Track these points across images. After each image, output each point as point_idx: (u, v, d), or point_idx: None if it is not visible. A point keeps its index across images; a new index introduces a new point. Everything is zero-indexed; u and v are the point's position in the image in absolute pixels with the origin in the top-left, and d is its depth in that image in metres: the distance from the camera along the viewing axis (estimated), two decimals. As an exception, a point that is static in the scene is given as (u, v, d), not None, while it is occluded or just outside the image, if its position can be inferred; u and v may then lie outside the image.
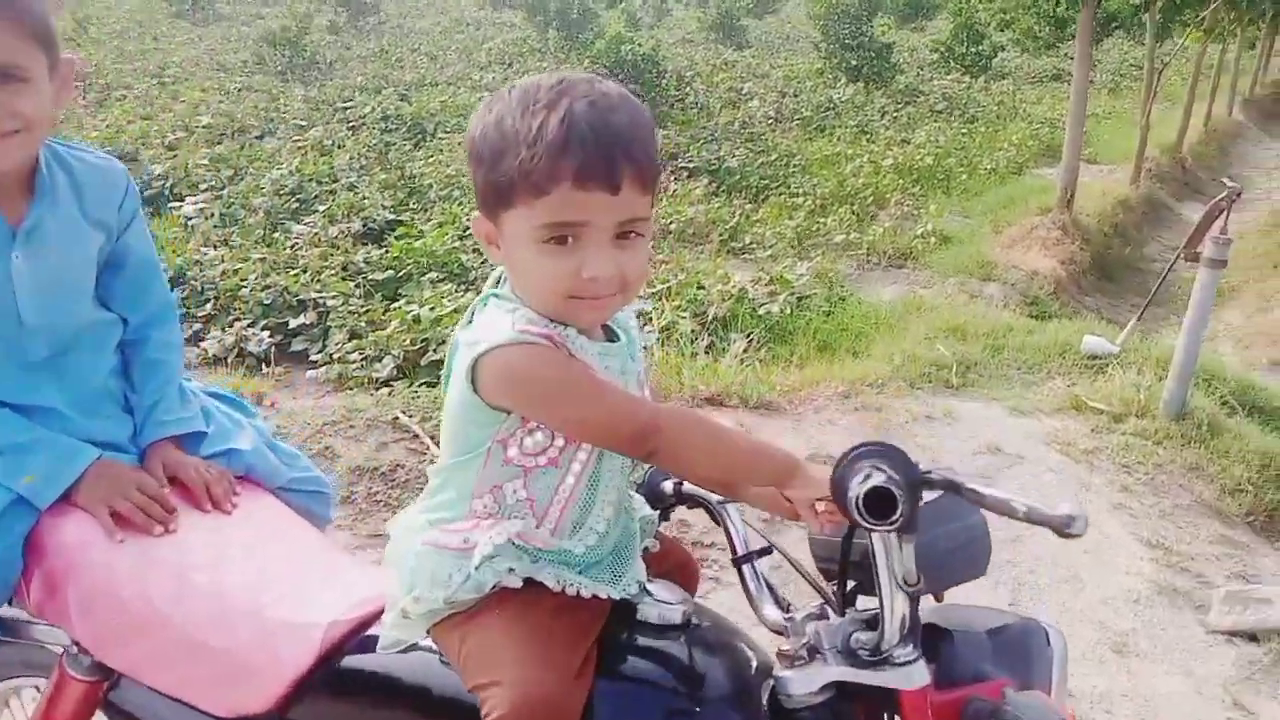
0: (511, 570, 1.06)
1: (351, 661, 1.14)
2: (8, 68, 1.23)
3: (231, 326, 5.56)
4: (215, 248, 6.90)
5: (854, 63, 14.83)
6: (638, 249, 1.05)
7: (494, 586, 1.06)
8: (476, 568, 1.04)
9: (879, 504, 0.93)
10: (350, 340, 5.34)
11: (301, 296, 5.87)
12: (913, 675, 1.00)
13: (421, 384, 4.78)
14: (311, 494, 1.55)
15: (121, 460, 1.38)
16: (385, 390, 4.18)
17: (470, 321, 1.09)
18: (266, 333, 5.42)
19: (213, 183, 8.52)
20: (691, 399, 4.14)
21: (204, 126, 10.88)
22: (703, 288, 6.21)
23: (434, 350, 5.08)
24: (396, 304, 5.73)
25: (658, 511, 1.25)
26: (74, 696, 1.28)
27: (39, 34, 1.26)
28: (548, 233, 1.00)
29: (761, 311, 5.91)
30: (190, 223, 7.60)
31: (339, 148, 10.32)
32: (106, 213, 1.42)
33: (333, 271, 6.34)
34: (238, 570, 1.24)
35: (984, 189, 10.34)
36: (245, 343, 5.42)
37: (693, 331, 5.20)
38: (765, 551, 1.26)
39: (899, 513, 0.93)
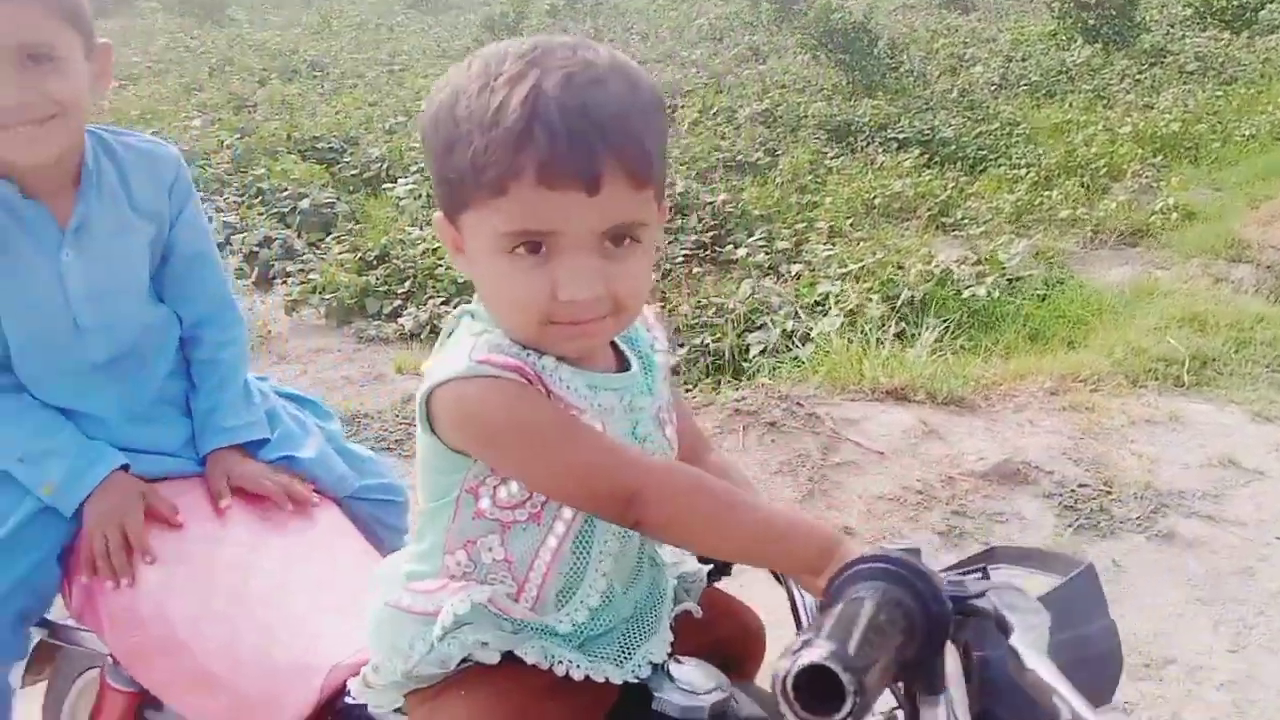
0: (485, 644, 0.86)
1: (348, 714, 1.00)
2: (37, 47, 1.16)
3: (426, 304, 5.71)
4: (421, 228, 7.14)
5: (1091, 22, 13.50)
6: (634, 260, 0.83)
7: (464, 662, 0.87)
8: (441, 637, 0.86)
9: (820, 687, 0.63)
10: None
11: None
12: None
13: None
14: (383, 503, 1.43)
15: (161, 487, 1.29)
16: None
17: (441, 345, 0.89)
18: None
19: (423, 165, 8.86)
20: (871, 392, 3.82)
21: (421, 111, 11.35)
22: (900, 268, 5.77)
23: (610, 331, 4.98)
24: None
25: (709, 567, 1.02)
26: (116, 706, 1.24)
27: (69, 13, 1.18)
28: (511, 241, 0.79)
29: (966, 295, 5.41)
30: (400, 203, 7.93)
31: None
32: (157, 201, 1.34)
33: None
34: (259, 598, 1.14)
35: (1240, 158, 9.08)
36: (439, 320, 5.54)
37: (882, 317, 4.82)
38: None
39: (847, 708, 0.62)
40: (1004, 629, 0.69)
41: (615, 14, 24.29)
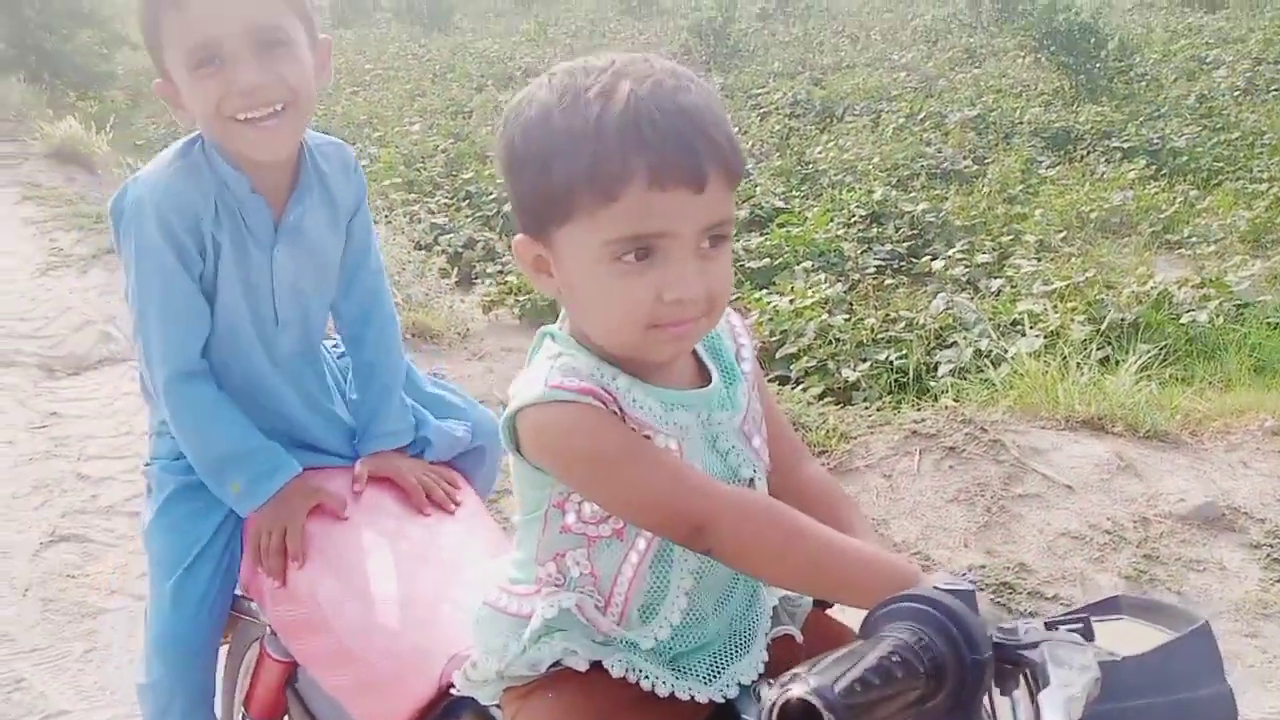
0: (574, 653, 0.89)
1: (460, 704, 1.05)
2: (273, 30, 1.21)
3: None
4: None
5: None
6: (724, 258, 0.84)
7: (554, 665, 0.90)
8: (532, 642, 0.89)
9: None
10: (715, 327, 5.38)
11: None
12: None
13: (774, 377, 4.68)
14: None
15: (320, 476, 1.38)
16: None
17: (528, 362, 0.92)
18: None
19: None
20: (1064, 421, 3.59)
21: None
22: (1112, 288, 5.38)
23: (790, 343, 4.93)
24: (765, 292, 5.65)
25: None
26: (271, 673, 1.36)
27: (296, 4, 1.25)
28: (620, 248, 0.81)
29: (1184, 320, 4.97)
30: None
31: (744, 133, 10.49)
32: (347, 200, 1.41)
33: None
34: (399, 582, 1.22)
35: None
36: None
37: (1086, 340, 4.51)
38: None
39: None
40: (1037, 683, 0.65)
41: (826, 16, 23.91)
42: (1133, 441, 3.45)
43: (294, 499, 1.31)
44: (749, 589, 0.94)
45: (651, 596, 0.90)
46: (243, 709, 1.46)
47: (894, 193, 7.70)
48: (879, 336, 5.01)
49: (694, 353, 0.94)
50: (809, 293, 5.30)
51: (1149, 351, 4.42)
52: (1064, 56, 11.09)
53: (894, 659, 0.64)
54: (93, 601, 2.83)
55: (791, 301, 5.15)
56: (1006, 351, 4.54)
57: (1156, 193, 7.87)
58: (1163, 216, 7.32)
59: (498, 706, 0.96)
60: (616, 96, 0.79)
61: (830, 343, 4.87)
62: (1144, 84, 11.42)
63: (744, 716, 0.89)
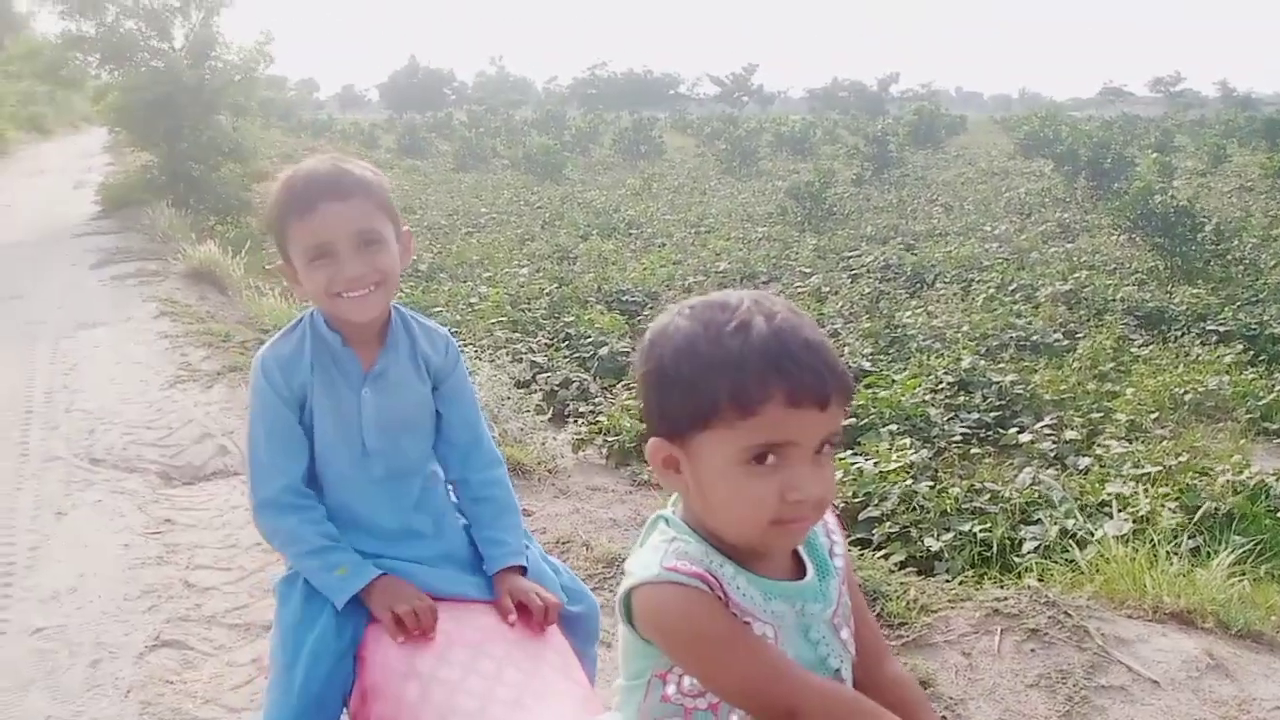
0: None
1: None
2: (371, 233, 1.56)
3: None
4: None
5: None
6: (831, 464, 0.99)
7: None
8: None
9: None
10: (797, 484, 5.44)
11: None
12: None
13: (855, 540, 4.70)
14: (576, 618, 1.64)
15: (402, 578, 1.60)
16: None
17: (641, 543, 1.06)
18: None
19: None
20: (1152, 612, 3.52)
21: (719, 271, 12.06)
22: (1206, 474, 5.29)
23: (874, 505, 4.96)
24: (849, 452, 5.71)
25: None
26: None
27: (387, 210, 1.59)
28: (750, 453, 0.95)
29: (1281, 514, 4.85)
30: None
31: (834, 294, 10.74)
32: (432, 366, 1.69)
33: (797, 414, 6.55)
34: (491, 708, 1.33)
35: None
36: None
37: (1177, 528, 4.43)
38: None
39: None
40: None
41: (920, 185, 24.53)
42: (1225, 640, 3.36)
43: (399, 584, 1.56)
44: None
45: None
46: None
47: (982, 362, 7.75)
48: (963, 507, 5.00)
49: (800, 554, 1.06)
50: (894, 456, 5.34)
51: (1244, 545, 4.32)
52: (1159, 237, 11.15)
53: None
54: (188, 709, 2.98)
55: (876, 464, 5.19)
56: (1093, 533, 4.48)
57: (1254, 379, 7.75)
58: (1260, 403, 7.19)
59: None
60: (753, 332, 0.96)
61: (913, 509, 4.88)
62: (1241, 268, 11.36)
63: None
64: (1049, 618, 3.39)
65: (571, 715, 1.40)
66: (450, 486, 1.75)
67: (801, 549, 1.06)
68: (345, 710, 1.54)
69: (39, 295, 9.26)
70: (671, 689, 1.01)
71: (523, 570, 1.64)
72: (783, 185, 21.09)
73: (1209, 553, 4.20)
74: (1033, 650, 3.26)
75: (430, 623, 1.51)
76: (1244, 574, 4.04)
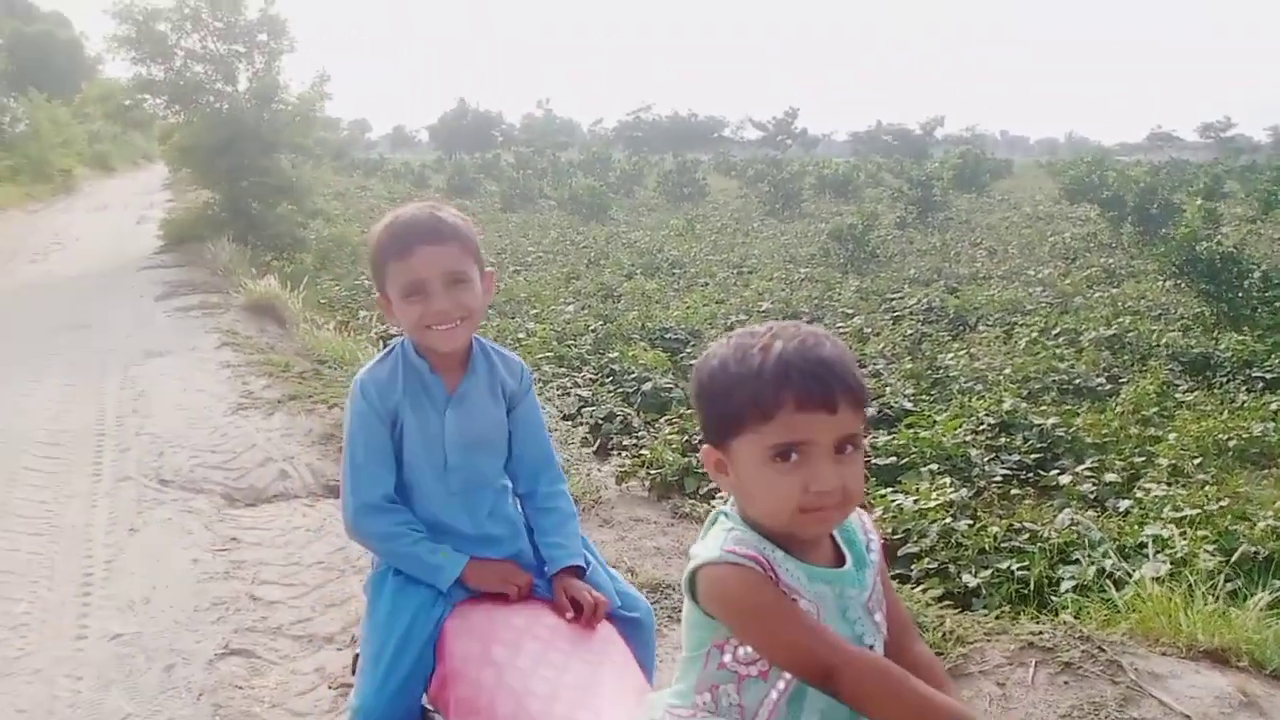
0: None
1: None
2: (460, 274, 1.76)
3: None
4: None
5: None
6: (855, 462, 1.13)
7: None
8: None
9: None
10: (836, 520, 5.54)
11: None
12: None
13: (895, 575, 4.78)
14: (634, 622, 1.80)
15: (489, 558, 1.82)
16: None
17: (704, 535, 1.22)
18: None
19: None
20: (1186, 649, 3.57)
21: (761, 311, 12.21)
22: (1247, 519, 5.31)
23: (913, 542, 5.05)
24: (889, 489, 5.81)
25: None
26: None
27: (473, 253, 1.79)
28: (774, 451, 1.12)
29: (1324, 559, 4.85)
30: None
31: (876, 335, 10.83)
32: (508, 390, 1.88)
33: (838, 452, 6.65)
34: (560, 701, 1.49)
35: None
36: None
37: (1214, 570, 4.46)
38: None
39: None
40: None
41: (965, 229, 24.53)
42: (1259, 679, 3.40)
43: (488, 563, 1.80)
44: None
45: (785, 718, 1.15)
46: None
47: (1024, 404, 7.79)
48: (1001, 545, 5.07)
49: (834, 540, 1.22)
50: (933, 495, 5.42)
51: (1270, 580, 4.34)
52: (1205, 284, 11.13)
53: None
54: (256, 712, 3.16)
55: (916, 502, 5.28)
56: (1130, 574, 4.53)
57: (1302, 426, 7.68)
58: (1308, 452, 7.14)
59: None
60: (772, 351, 1.14)
61: (952, 546, 4.96)
62: (1293, 316, 11.27)
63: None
64: (1083, 652, 3.47)
65: (632, 705, 1.55)
66: (519, 499, 1.93)
67: (841, 543, 1.22)
68: (425, 694, 1.70)
69: (108, 325, 9.68)
70: (728, 657, 1.17)
71: (580, 572, 1.81)
72: (825, 227, 21.20)
73: (1246, 595, 4.23)
74: (1066, 683, 3.34)
75: (527, 587, 1.74)
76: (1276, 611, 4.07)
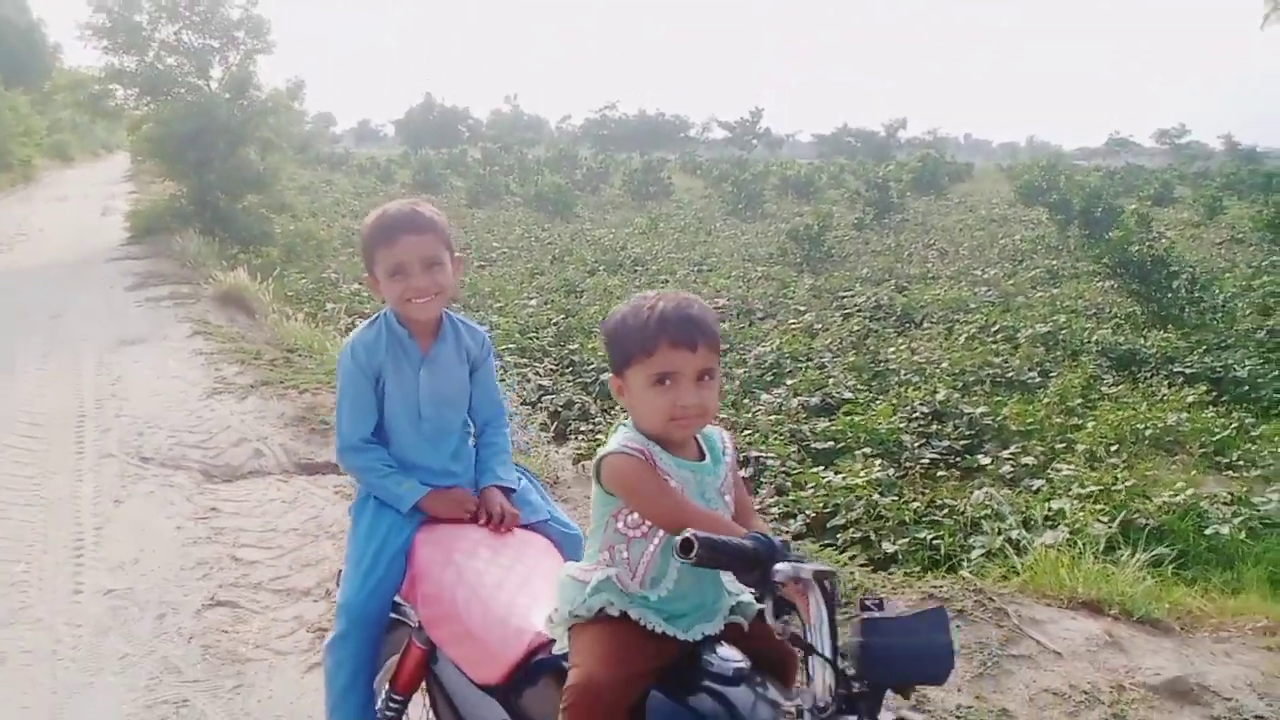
0: (611, 604, 1.57)
1: (539, 659, 1.72)
2: (435, 259, 2.16)
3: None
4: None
5: None
6: (711, 389, 1.57)
7: (600, 611, 1.58)
8: (589, 595, 1.58)
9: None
10: (775, 495, 6.00)
11: (748, 454, 6.70)
12: None
13: (824, 544, 5.25)
14: (569, 537, 2.21)
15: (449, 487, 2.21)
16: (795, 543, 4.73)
17: (609, 438, 1.65)
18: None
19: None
20: (1067, 600, 4.06)
21: (718, 307, 12.67)
22: (1145, 496, 5.85)
23: (841, 515, 5.52)
24: (822, 467, 6.28)
25: (759, 605, 1.65)
26: (414, 658, 2.04)
27: (447, 242, 2.19)
28: (654, 378, 1.56)
29: (1208, 531, 5.40)
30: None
31: (825, 330, 11.33)
32: (471, 355, 2.30)
33: (780, 436, 7.11)
34: (505, 590, 1.90)
35: None
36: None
37: (1108, 538, 4.97)
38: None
39: (694, 552, 1.35)
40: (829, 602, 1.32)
41: (919, 230, 25.20)
42: (1126, 624, 3.90)
43: (445, 492, 2.19)
44: (718, 586, 1.61)
45: (658, 571, 1.58)
46: (387, 686, 2.13)
47: (956, 395, 8.30)
48: (921, 519, 5.56)
49: (699, 444, 1.65)
50: (861, 472, 5.90)
51: (1164, 552, 4.86)
52: (1135, 284, 11.75)
53: (742, 544, 1.36)
54: (241, 652, 3.55)
55: (843, 478, 5.75)
56: (1033, 543, 5.03)
57: (1212, 417, 8.26)
58: (1215, 439, 7.70)
59: (563, 658, 1.63)
60: (656, 309, 1.57)
61: (876, 519, 5.44)
62: (1218, 316, 11.92)
63: (703, 655, 1.55)
64: (975, 601, 3.95)
65: (546, 574, 1.96)
66: (472, 439, 2.35)
67: (704, 446, 1.65)
68: (398, 594, 2.11)
69: (79, 314, 9.91)
70: (620, 524, 1.59)
71: (508, 492, 2.23)
72: (785, 228, 21.75)
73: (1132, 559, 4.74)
74: (958, 626, 3.81)
75: (474, 506, 2.16)
76: (1160, 576, 4.59)
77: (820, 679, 1.35)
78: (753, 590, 1.62)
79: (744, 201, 31.42)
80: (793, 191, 38.09)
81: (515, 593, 1.88)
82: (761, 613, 1.57)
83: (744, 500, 1.71)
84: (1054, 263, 17.60)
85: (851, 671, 1.34)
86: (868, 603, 1.37)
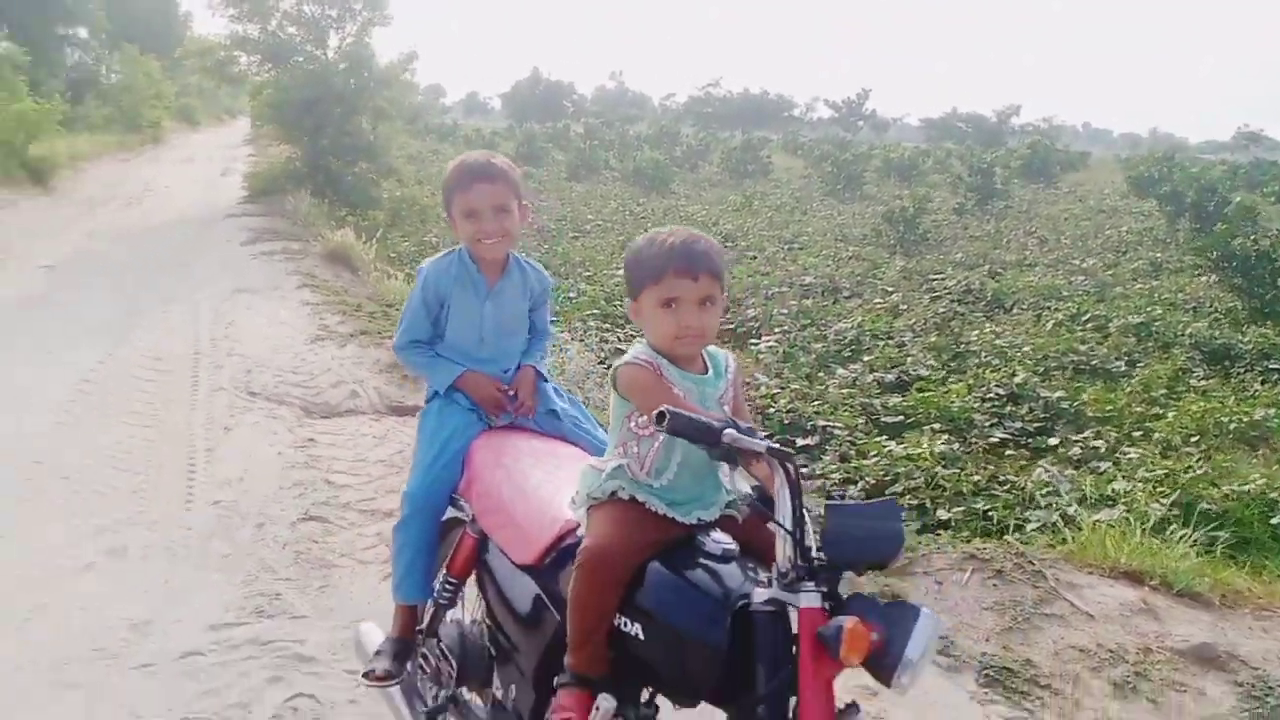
0: (622, 489, 1.84)
1: (567, 543, 1.99)
2: (504, 205, 2.43)
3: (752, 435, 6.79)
4: (771, 377, 8.30)
5: None
6: (712, 313, 1.80)
7: (613, 494, 1.84)
8: (604, 480, 1.85)
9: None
10: (838, 462, 6.17)
11: (816, 423, 6.88)
12: (803, 599, 1.54)
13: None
14: (601, 450, 2.48)
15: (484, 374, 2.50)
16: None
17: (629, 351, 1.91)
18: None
19: (787, 328, 10.12)
20: (1109, 570, 4.16)
21: (804, 284, 12.77)
22: (1213, 484, 5.82)
23: (900, 482, 5.67)
24: (886, 437, 6.41)
25: (753, 496, 1.88)
26: (468, 546, 2.34)
27: (516, 190, 2.45)
28: (662, 301, 1.80)
29: (1274, 520, 5.36)
30: (760, 356, 9.18)
31: (909, 311, 11.33)
32: (534, 295, 2.58)
33: (850, 409, 7.26)
34: (544, 488, 2.18)
35: None
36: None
37: (1165, 520, 5.00)
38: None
39: (665, 422, 1.59)
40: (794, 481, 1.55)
41: (1022, 218, 24.62)
42: (1164, 595, 3.98)
43: (480, 375, 2.48)
44: (715, 481, 1.86)
45: (661, 464, 1.84)
46: (444, 571, 2.45)
47: (1035, 379, 8.28)
48: (980, 491, 5.66)
49: (705, 361, 1.90)
50: (924, 444, 6.02)
51: (1221, 536, 4.87)
52: (1237, 278, 11.38)
53: (709, 421, 1.60)
54: (328, 559, 3.95)
55: (906, 449, 5.89)
56: (1088, 520, 5.09)
57: (1305, 415, 8.02)
58: (1303, 436, 7.51)
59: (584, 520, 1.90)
60: (667, 242, 1.81)
61: (934, 488, 5.57)
62: (1326, 314, 11.46)
63: (698, 537, 1.80)
64: (1014, 564, 4.09)
65: (575, 471, 2.21)
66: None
67: (709, 363, 1.89)
68: (455, 491, 2.42)
69: (200, 266, 10.64)
70: (633, 424, 1.84)
71: (538, 375, 2.53)
72: (880, 210, 21.54)
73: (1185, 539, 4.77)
74: (994, 585, 3.96)
75: (506, 399, 2.44)
76: (1212, 557, 4.62)
77: (782, 550, 1.59)
78: (740, 480, 1.88)
79: (843, 183, 31.13)
80: (895, 175, 37.49)
81: (553, 491, 2.16)
82: (752, 508, 1.83)
83: (741, 410, 1.95)
84: (1159, 255, 17.05)
85: (816, 549, 1.57)
86: (833, 494, 1.61)
